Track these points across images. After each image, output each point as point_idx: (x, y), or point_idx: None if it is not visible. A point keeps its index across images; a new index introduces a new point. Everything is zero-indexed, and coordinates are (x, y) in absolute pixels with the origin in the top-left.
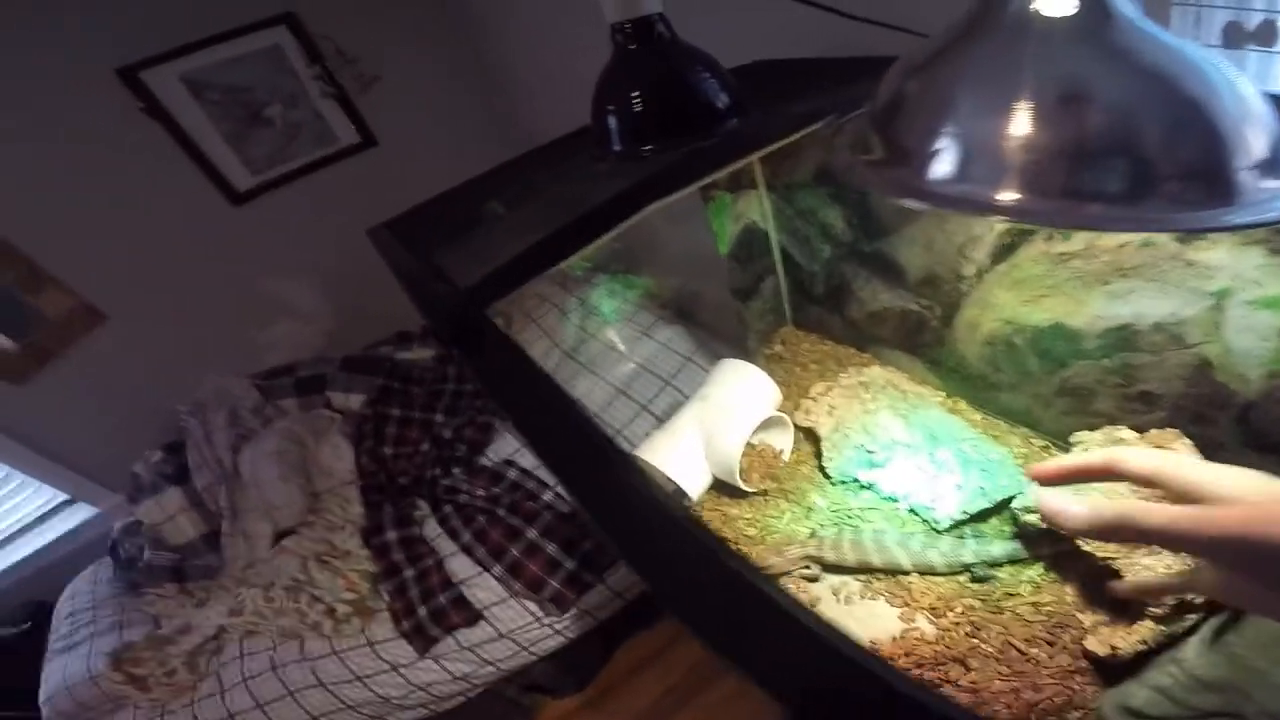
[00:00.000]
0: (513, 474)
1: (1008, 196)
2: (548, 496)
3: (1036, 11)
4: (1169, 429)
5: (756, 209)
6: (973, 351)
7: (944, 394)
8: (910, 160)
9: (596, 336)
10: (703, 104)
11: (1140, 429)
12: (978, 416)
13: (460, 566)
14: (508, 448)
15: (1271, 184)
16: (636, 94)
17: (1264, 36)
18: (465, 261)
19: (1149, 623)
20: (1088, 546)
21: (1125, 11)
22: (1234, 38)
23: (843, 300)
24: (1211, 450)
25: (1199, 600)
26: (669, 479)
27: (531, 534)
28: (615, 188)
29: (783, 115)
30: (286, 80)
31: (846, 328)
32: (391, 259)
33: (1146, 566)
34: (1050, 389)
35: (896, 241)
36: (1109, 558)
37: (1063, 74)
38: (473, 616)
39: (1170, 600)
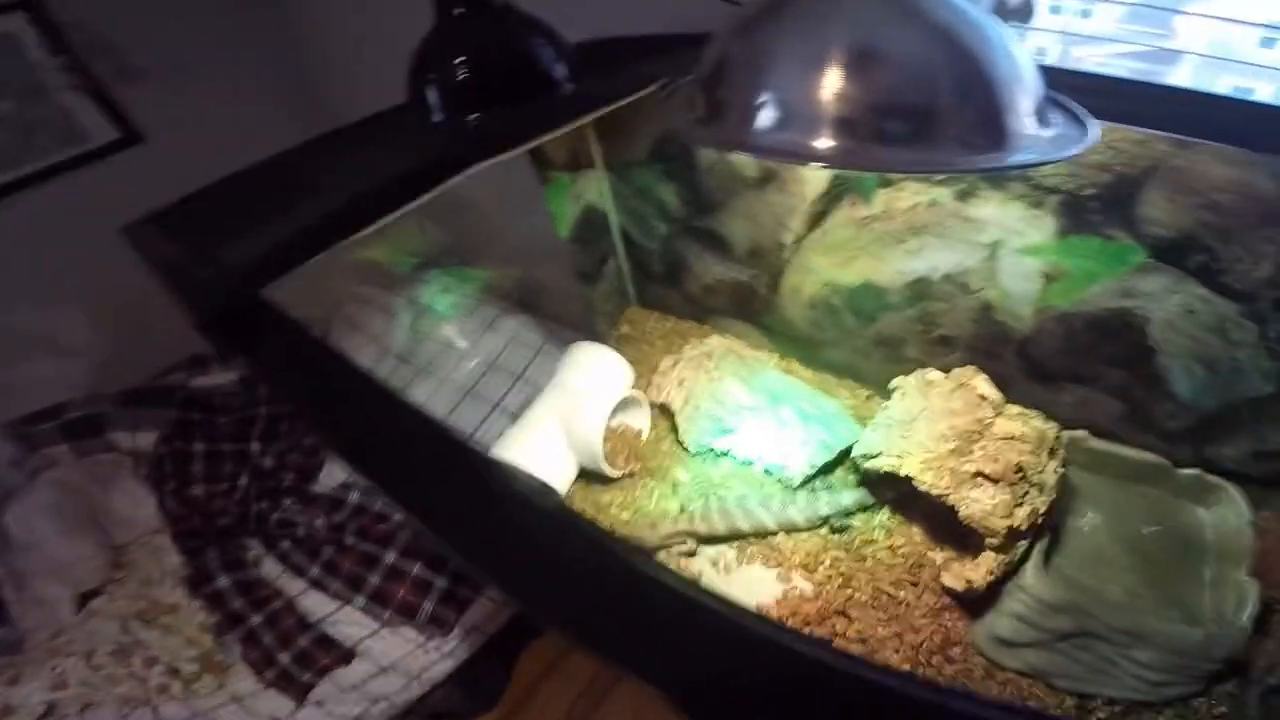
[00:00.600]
0: (354, 497)
1: (819, 144)
2: (400, 515)
3: None
4: (968, 367)
5: (595, 190)
6: (798, 314)
7: (778, 356)
8: (733, 116)
9: (434, 337)
10: (534, 70)
11: (945, 369)
12: (809, 374)
13: (315, 604)
14: (343, 471)
15: (1041, 131)
16: (462, 59)
17: (1022, 13)
18: (244, 248)
19: (989, 553)
20: (923, 486)
21: None
22: (998, 13)
23: (680, 276)
24: (1003, 382)
25: (1026, 526)
26: (533, 476)
27: (390, 557)
28: (425, 157)
29: (618, 81)
30: (21, 73)
31: (687, 302)
32: (150, 253)
33: (975, 499)
34: (867, 341)
35: (725, 216)
36: (942, 495)
37: (861, 31)
38: (345, 655)
39: (1001, 524)
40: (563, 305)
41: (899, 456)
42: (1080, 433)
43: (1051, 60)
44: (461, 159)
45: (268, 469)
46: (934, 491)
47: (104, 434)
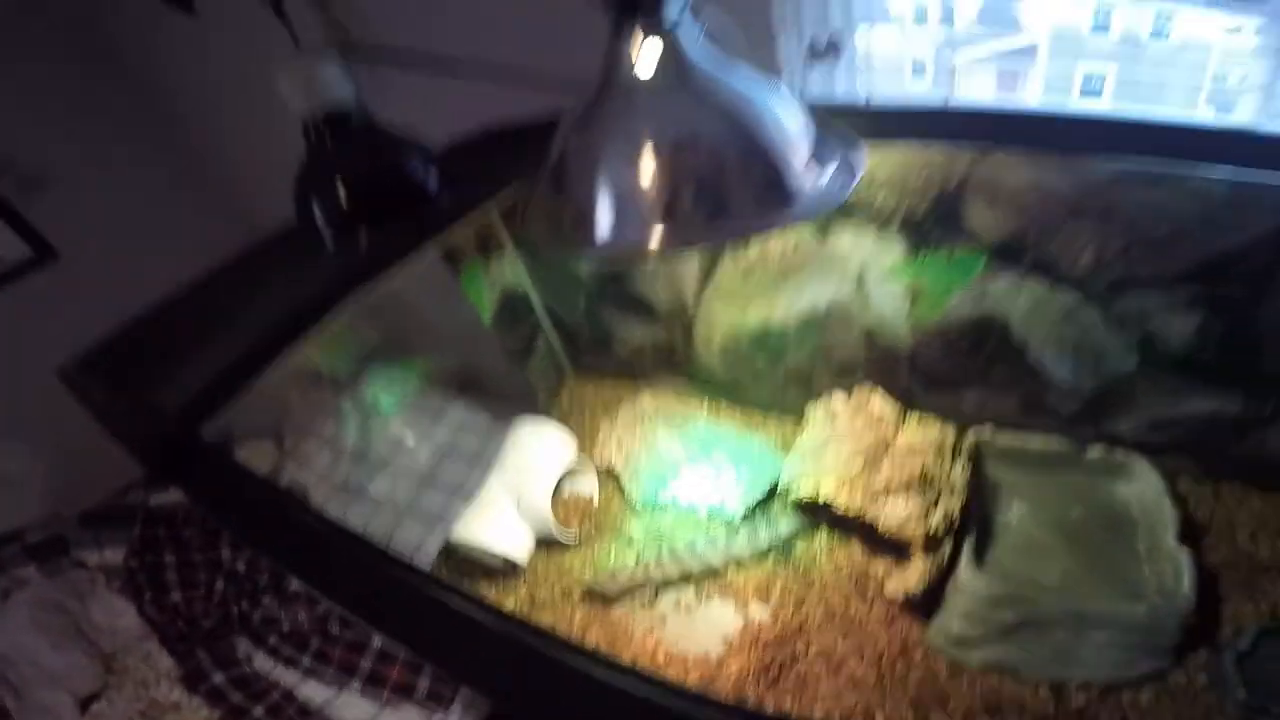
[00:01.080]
0: None
1: (646, 235)
2: None
3: (635, 76)
4: (865, 388)
5: (509, 272)
6: (715, 362)
7: (709, 402)
8: (567, 220)
9: (384, 434)
10: (407, 186)
11: (849, 391)
12: (739, 414)
13: (313, 692)
14: None
15: (820, 175)
16: (338, 186)
17: (832, 53)
18: (176, 385)
19: (918, 559)
20: (839, 507)
21: (698, 64)
22: (813, 54)
23: (608, 342)
24: (906, 395)
25: (943, 528)
26: (491, 553)
27: (377, 641)
28: (322, 280)
29: (488, 183)
30: None
31: (619, 366)
32: (89, 399)
33: (889, 513)
34: (781, 376)
35: (633, 280)
36: (859, 513)
37: (658, 124)
38: None
39: (915, 532)
40: (503, 385)
41: (814, 483)
42: (987, 429)
43: (929, 66)
44: (353, 277)
45: (242, 573)
46: (850, 511)
47: (70, 553)
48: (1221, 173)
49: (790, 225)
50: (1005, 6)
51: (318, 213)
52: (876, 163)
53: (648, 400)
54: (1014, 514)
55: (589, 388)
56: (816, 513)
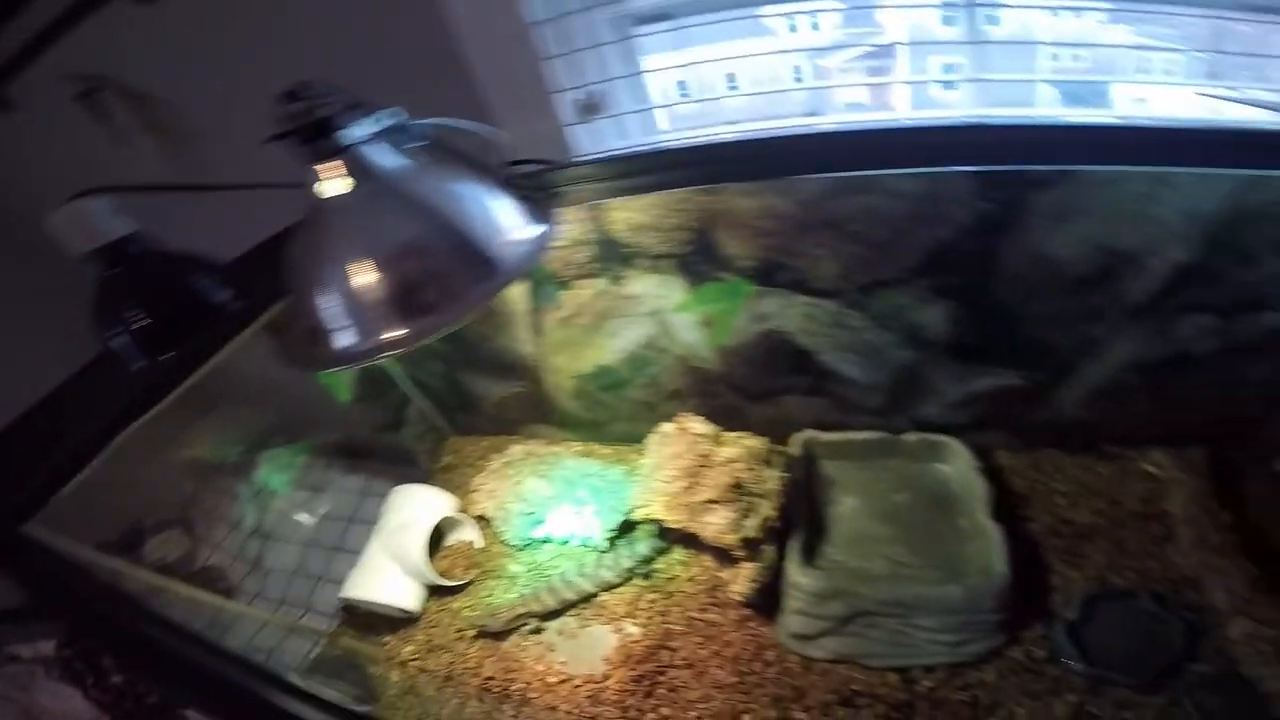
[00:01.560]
0: None
1: (387, 335)
2: None
3: (332, 195)
4: (685, 413)
5: None
6: (571, 406)
7: (579, 443)
8: (311, 335)
9: (276, 511)
10: (195, 303)
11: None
12: (608, 449)
13: None
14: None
15: (522, 240)
16: (128, 314)
17: (594, 109)
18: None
19: (745, 564)
20: (670, 523)
21: (388, 174)
22: (580, 112)
23: (475, 401)
24: (729, 412)
25: (761, 532)
26: (384, 606)
27: None
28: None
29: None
30: None
31: (492, 421)
32: None
33: (709, 523)
34: (629, 411)
35: (480, 342)
36: (685, 526)
37: (356, 235)
38: None
39: (732, 539)
40: (385, 455)
41: (648, 505)
42: (810, 431)
43: (806, 76)
44: (152, 392)
45: None
46: (678, 526)
47: (2, 649)
48: (912, 170)
49: (500, 291)
50: (864, 12)
51: (114, 340)
52: (640, 211)
53: (515, 450)
54: (845, 506)
55: (469, 445)
56: (665, 532)
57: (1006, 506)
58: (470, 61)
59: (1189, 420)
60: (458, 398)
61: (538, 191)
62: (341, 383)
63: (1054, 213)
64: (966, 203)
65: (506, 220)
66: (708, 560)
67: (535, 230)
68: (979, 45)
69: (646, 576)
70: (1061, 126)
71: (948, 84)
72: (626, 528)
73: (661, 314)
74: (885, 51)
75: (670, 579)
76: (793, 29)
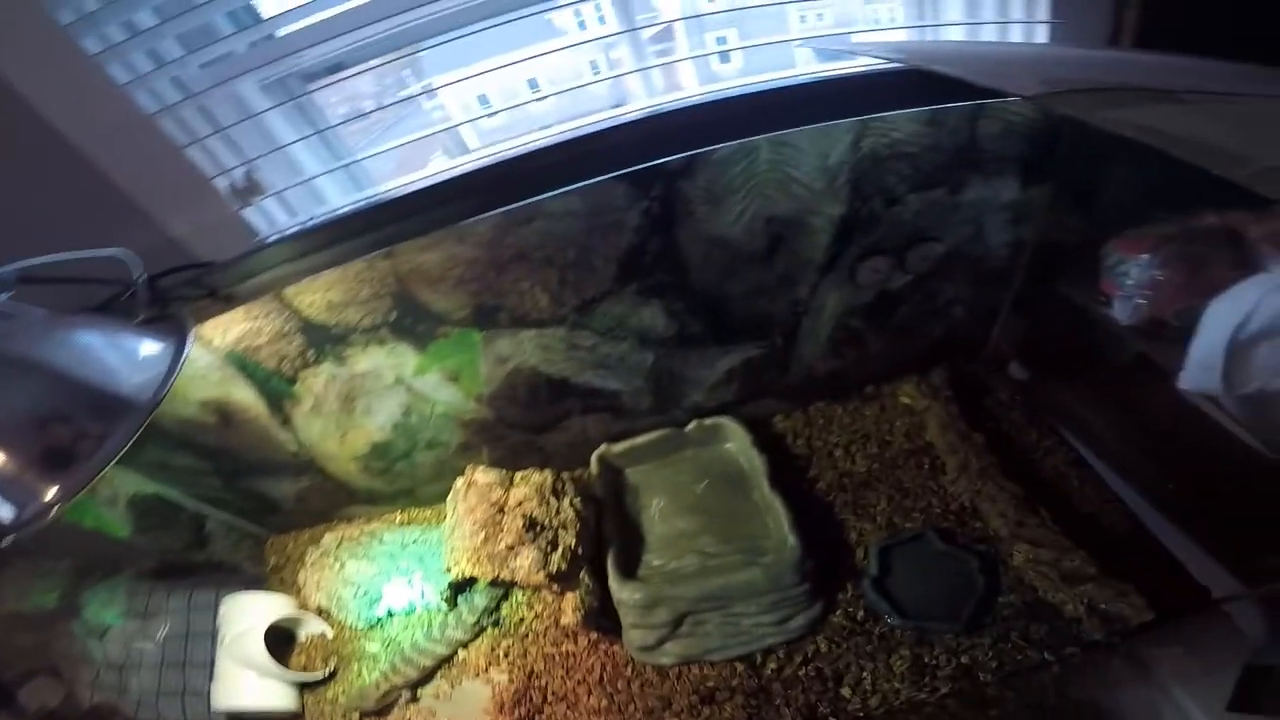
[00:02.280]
0: None
1: (45, 499)
2: None
3: None
4: (476, 464)
5: (130, 483)
6: (375, 484)
7: (400, 514)
8: None
9: (116, 643)
10: None
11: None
12: (430, 511)
13: None
14: None
15: (150, 375)
16: None
17: (254, 191)
18: None
19: (567, 594)
20: (479, 577)
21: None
22: (239, 195)
23: (275, 502)
24: (524, 449)
25: (569, 562)
26: (260, 710)
27: None
28: None
29: None
30: None
31: (304, 514)
32: None
33: (516, 567)
34: (427, 474)
35: (244, 452)
36: (495, 576)
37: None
38: None
39: (540, 577)
40: (203, 569)
41: (456, 564)
42: (604, 446)
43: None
44: None
45: None
46: (488, 578)
47: None
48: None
49: (144, 421)
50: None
51: None
52: (328, 291)
53: (328, 539)
54: (655, 508)
55: (289, 542)
56: (498, 580)
57: (792, 470)
58: (107, 174)
59: (921, 347)
60: (255, 502)
61: (185, 300)
62: (109, 520)
63: (707, 197)
64: (631, 205)
65: (129, 350)
66: (547, 595)
67: (165, 349)
68: (740, 14)
69: (496, 625)
70: (675, 111)
71: (722, 56)
72: (460, 585)
73: (405, 381)
74: (667, 33)
75: (519, 622)
76: (582, 25)
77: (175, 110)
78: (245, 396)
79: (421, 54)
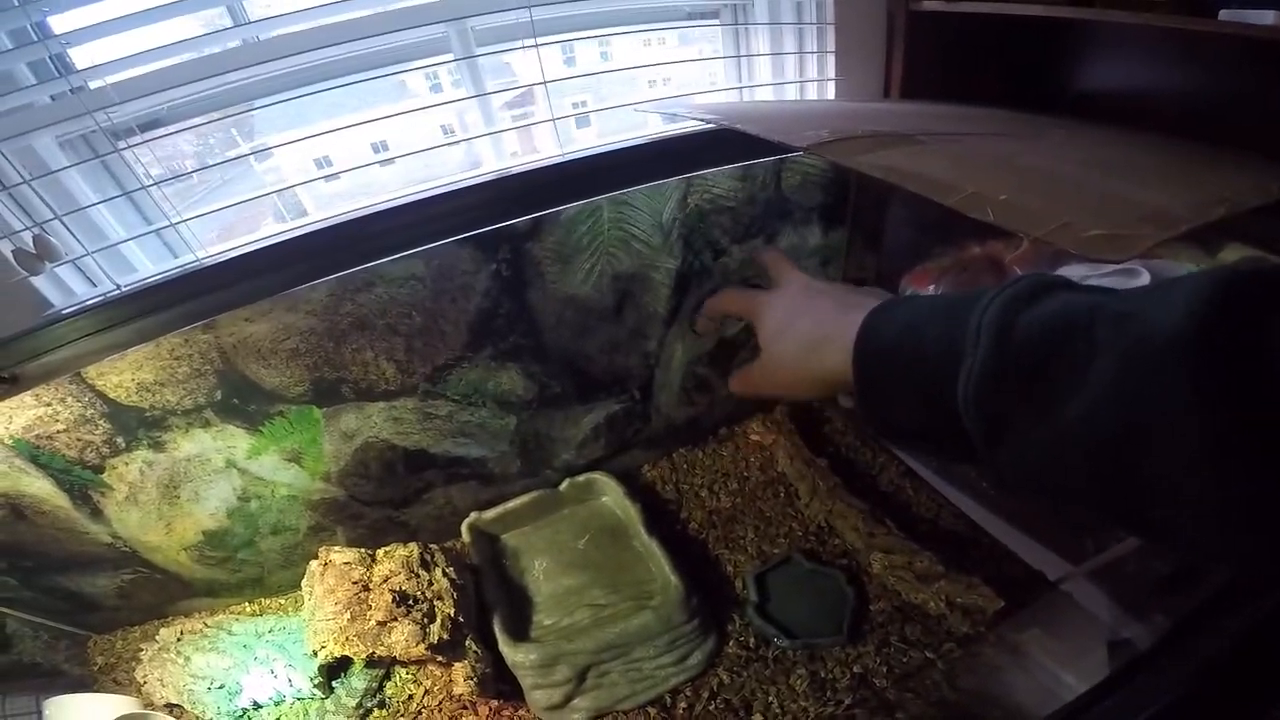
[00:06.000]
0: None
1: None
2: None
3: None
4: (331, 545)
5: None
6: (213, 573)
7: (242, 603)
8: None
9: None
10: None
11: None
12: (282, 599)
13: None
14: None
15: None
16: None
17: (48, 255)
18: None
19: (453, 664)
20: (353, 656)
21: None
22: (26, 261)
23: (93, 599)
24: (386, 526)
25: (448, 632)
26: None
27: None
28: None
29: None
30: None
31: (134, 611)
32: None
33: (392, 643)
34: (276, 560)
35: (51, 544)
36: (370, 654)
37: None
38: None
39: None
40: (12, 674)
41: (324, 645)
42: (473, 514)
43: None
44: None
45: None
46: (362, 656)
47: None
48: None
49: None
50: (500, 63)
51: None
52: (138, 369)
53: (164, 634)
54: (538, 570)
55: (116, 641)
56: (373, 658)
57: (665, 515)
58: None
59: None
60: (66, 601)
61: None
62: None
63: (556, 257)
64: (479, 268)
65: None
66: (433, 667)
67: None
68: (598, 78)
69: (383, 705)
70: (519, 174)
71: (580, 120)
72: (333, 669)
73: (238, 465)
74: (526, 97)
75: (407, 699)
76: (435, 89)
77: None
78: (41, 488)
79: (255, 112)
